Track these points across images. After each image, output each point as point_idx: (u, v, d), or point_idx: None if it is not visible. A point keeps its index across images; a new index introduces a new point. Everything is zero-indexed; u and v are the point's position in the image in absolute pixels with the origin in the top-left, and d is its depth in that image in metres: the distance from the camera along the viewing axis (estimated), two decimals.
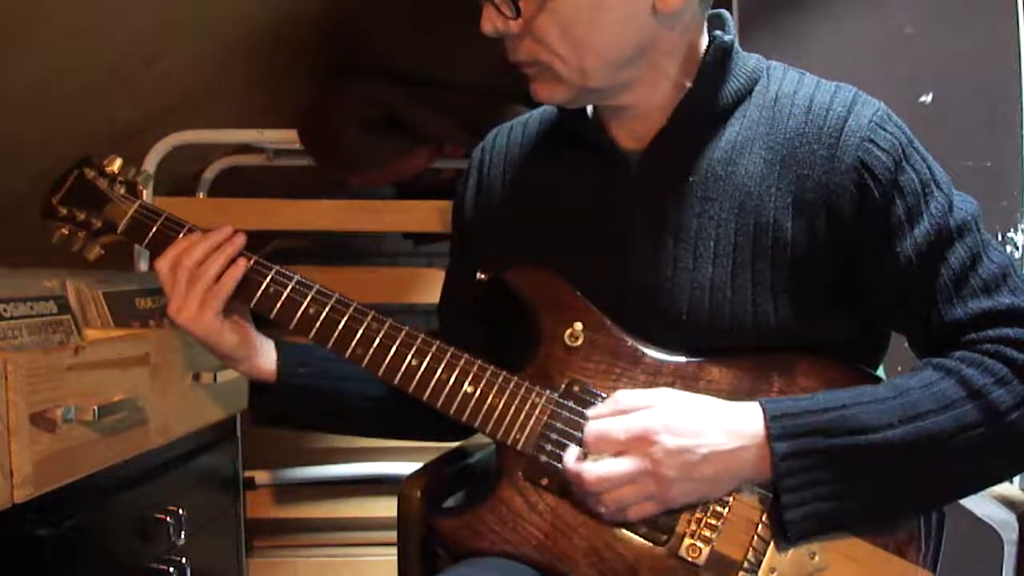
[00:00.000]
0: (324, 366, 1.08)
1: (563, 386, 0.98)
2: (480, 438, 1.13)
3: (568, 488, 0.94)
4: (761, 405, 0.91)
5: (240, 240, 1.03)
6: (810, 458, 0.89)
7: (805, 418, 0.90)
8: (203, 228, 1.04)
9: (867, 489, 0.90)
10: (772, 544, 0.93)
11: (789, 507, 0.90)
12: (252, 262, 1.03)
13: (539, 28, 0.94)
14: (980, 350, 0.92)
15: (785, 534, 0.91)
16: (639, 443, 0.90)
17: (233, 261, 1.02)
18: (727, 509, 0.93)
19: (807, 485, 0.89)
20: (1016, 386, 0.90)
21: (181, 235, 1.04)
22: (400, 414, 1.11)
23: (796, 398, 0.92)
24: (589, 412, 0.95)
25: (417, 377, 1.00)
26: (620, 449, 0.91)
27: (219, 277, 1.01)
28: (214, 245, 1.02)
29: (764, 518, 0.93)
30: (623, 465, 0.90)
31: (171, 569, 1.27)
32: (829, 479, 0.89)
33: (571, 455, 0.93)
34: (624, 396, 0.94)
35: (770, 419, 0.90)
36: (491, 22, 0.95)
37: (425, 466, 1.18)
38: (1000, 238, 1.71)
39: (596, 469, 0.91)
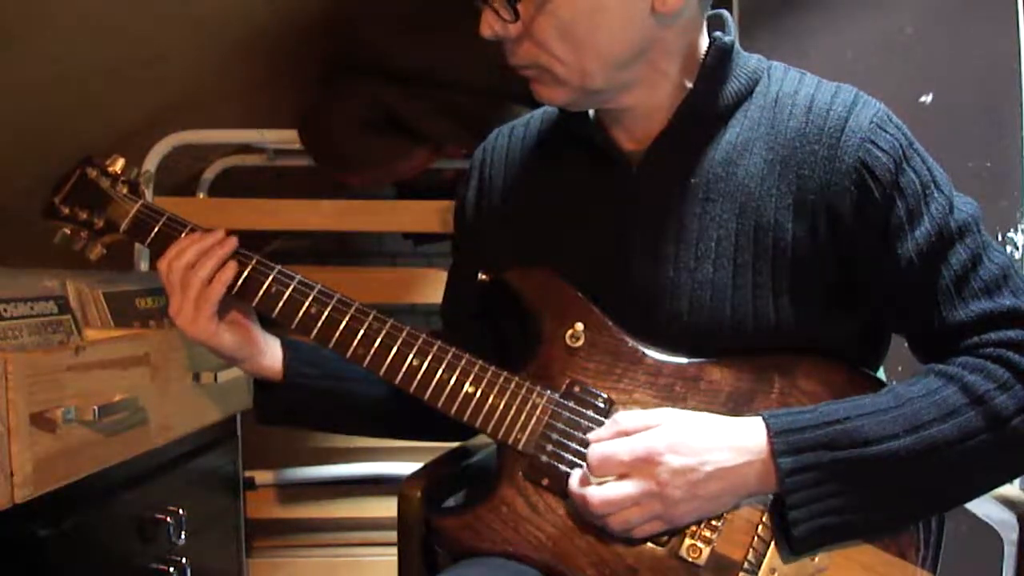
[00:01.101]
0: (330, 366, 1.08)
1: (564, 386, 0.98)
2: (481, 438, 1.13)
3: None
4: (764, 421, 0.91)
5: (231, 243, 1.02)
6: (815, 472, 0.89)
7: (808, 432, 0.90)
8: (205, 228, 1.04)
9: (872, 500, 0.90)
10: (772, 545, 0.92)
11: (796, 523, 0.89)
12: (254, 262, 1.03)
13: (538, 31, 0.94)
14: (982, 354, 0.92)
15: (790, 548, 0.91)
16: (644, 464, 0.90)
17: (225, 264, 1.01)
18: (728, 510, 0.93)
19: (813, 500, 0.89)
20: (1019, 391, 0.90)
21: (183, 235, 1.03)
22: (404, 415, 1.11)
23: (798, 411, 0.92)
24: (590, 436, 0.95)
25: (418, 377, 1.00)
26: (624, 471, 0.90)
27: (211, 280, 1.00)
28: (204, 248, 1.01)
29: (764, 519, 0.93)
30: (628, 488, 0.90)
31: (171, 569, 1.27)
32: (834, 492, 0.89)
33: (575, 478, 0.93)
34: (625, 417, 0.94)
35: (773, 435, 0.90)
36: (489, 26, 0.95)
37: (425, 466, 1.18)
38: (1000, 238, 1.71)
39: (601, 493, 0.90)
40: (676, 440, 0.90)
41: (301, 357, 1.07)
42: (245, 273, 1.02)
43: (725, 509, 0.92)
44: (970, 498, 0.97)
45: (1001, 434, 0.89)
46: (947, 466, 0.90)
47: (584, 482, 0.92)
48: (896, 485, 0.90)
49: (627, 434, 0.92)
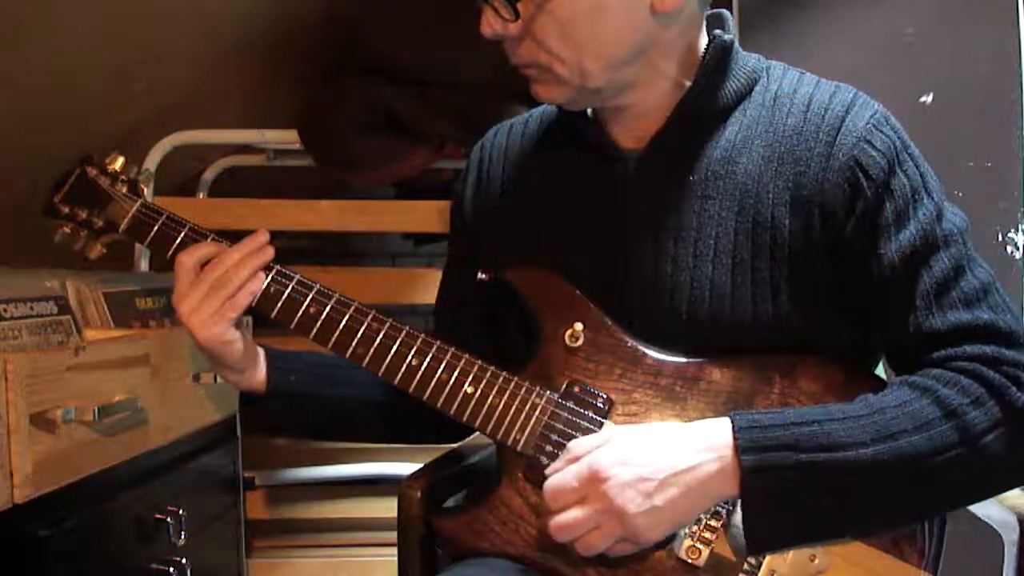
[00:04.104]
0: (314, 372, 1.08)
1: (563, 386, 0.98)
2: (481, 438, 1.13)
3: None
4: (730, 419, 0.89)
5: (270, 252, 1.00)
6: (779, 473, 0.87)
7: (774, 431, 0.88)
8: (204, 227, 1.04)
9: (837, 507, 0.88)
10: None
11: (754, 521, 0.88)
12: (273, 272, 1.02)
13: (538, 30, 0.94)
14: (956, 367, 0.91)
15: (752, 547, 0.89)
16: (592, 484, 0.88)
17: (256, 274, 1.00)
18: (726, 511, 0.93)
19: (775, 500, 0.87)
20: (991, 407, 0.88)
21: (183, 234, 1.03)
22: (392, 419, 1.11)
23: (766, 412, 0.91)
24: (548, 471, 0.92)
25: (418, 377, 1.00)
26: (578, 497, 0.88)
27: (241, 288, 0.98)
28: (246, 253, 1.00)
29: None
30: (582, 512, 0.88)
31: (171, 569, 1.27)
32: (798, 495, 0.87)
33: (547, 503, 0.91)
34: (576, 444, 0.92)
35: (737, 430, 0.88)
36: (490, 25, 0.95)
37: (425, 466, 1.18)
38: (1000, 238, 1.71)
39: (558, 521, 0.89)
40: (622, 455, 0.88)
41: (286, 365, 1.07)
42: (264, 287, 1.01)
43: (694, 516, 0.91)
44: (939, 512, 0.95)
45: (972, 450, 0.87)
46: (916, 478, 0.88)
47: (550, 512, 0.90)
48: (862, 493, 0.88)
49: (576, 460, 0.90)
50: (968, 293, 0.92)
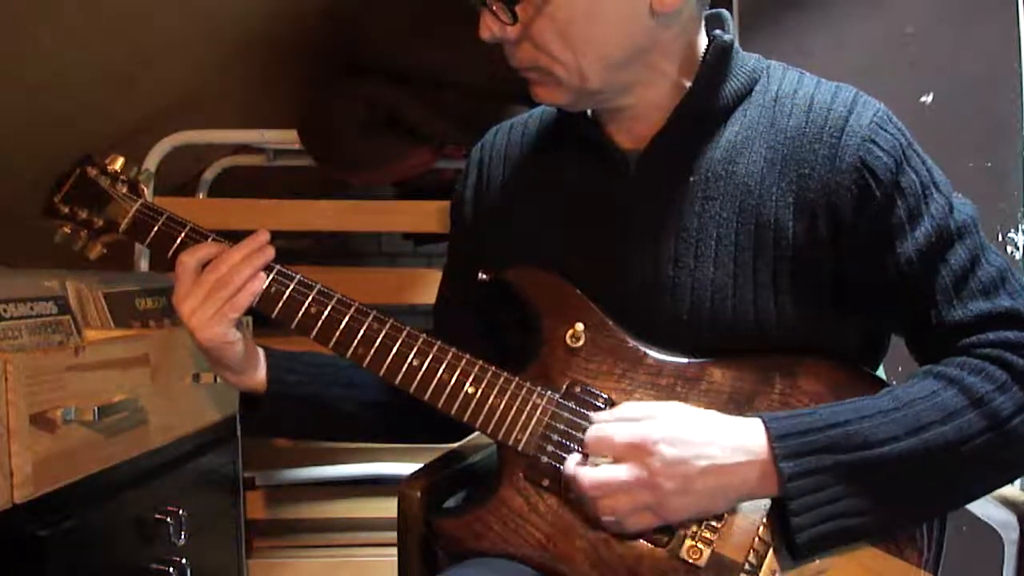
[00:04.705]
0: (314, 372, 1.08)
1: (564, 387, 0.98)
2: (481, 438, 1.13)
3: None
4: (764, 424, 0.90)
5: (271, 252, 1.00)
6: (817, 477, 0.88)
7: (810, 436, 0.89)
8: (204, 227, 1.04)
9: (874, 504, 0.89)
10: (773, 546, 0.92)
11: (799, 529, 0.88)
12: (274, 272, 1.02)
13: (537, 33, 0.94)
14: (981, 354, 0.92)
15: (792, 554, 0.90)
16: (637, 451, 0.89)
17: (257, 273, 0.99)
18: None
19: (815, 505, 0.88)
20: (1016, 392, 0.90)
21: (183, 234, 1.03)
22: (392, 419, 1.11)
23: (798, 414, 0.91)
24: (593, 416, 0.95)
25: (418, 378, 0.99)
26: (618, 455, 0.90)
27: (242, 287, 0.98)
28: (247, 253, 0.99)
29: (765, 520, 0.93)
30: (619, 472, 0.89)
31: (171, 569, 1.26)
32: (836, 497, 0.88)
33: (572, 459, 0.93)
34: (629, 406, 0.94)
35: (774, 439, 0.89)
36: (489, 28, 0.95)
37: (425, 466, 1.18)
38: (1000, 239, 1.71)
39: (592, 474, 0.90)
40: (672, 432, 0.90)
41: (284, 365, 1.07)
42: (265, 287, 1.01)
43: (722, 509, 0.92)
44: (972, 499, 0.97)
45: (1000, 435, 0.89)
46: (948, 468, 0.90)
47: (579, 463, 0.92)
48: (898, 488, 0.90)
49: (627, 420, 0.92)
50: (986, 282, 0.94)
